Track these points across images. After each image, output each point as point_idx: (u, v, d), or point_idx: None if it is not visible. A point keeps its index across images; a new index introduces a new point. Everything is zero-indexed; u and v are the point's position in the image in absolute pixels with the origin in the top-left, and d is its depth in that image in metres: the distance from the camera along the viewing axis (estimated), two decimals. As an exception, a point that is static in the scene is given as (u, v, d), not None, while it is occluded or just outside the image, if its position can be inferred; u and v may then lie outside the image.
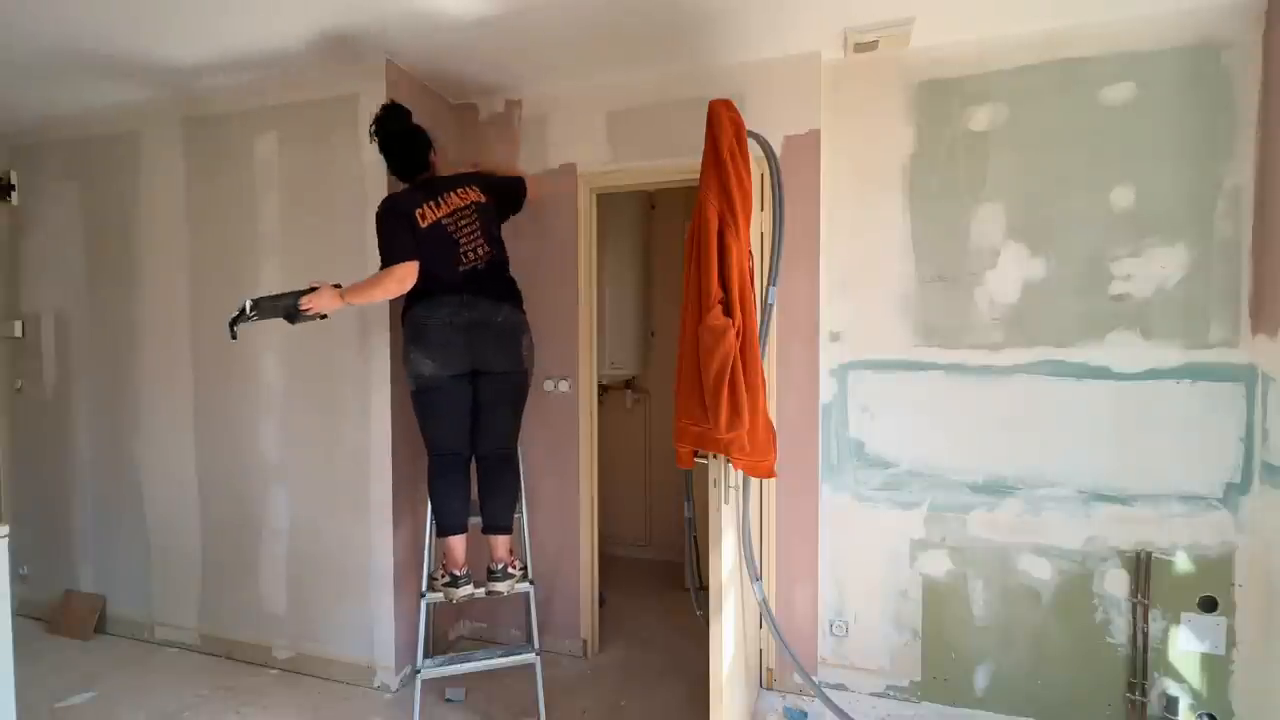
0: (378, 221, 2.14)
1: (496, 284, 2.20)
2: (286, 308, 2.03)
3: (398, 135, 2.16)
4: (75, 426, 3.02)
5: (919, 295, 2.35)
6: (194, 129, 2.73)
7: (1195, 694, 2.10)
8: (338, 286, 2.08)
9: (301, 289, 2.05)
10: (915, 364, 2.35)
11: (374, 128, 2.17)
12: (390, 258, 2.08)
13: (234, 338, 2.05)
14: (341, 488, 2.53)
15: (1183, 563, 2.11)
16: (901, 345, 2.37)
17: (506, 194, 2.34)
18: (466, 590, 2.19)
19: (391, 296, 2.12)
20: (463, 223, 2.14)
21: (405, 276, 2.07)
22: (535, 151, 2.70)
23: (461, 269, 2.12)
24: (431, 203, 2.13)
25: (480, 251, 2.16)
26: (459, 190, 2.18)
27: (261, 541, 2.68)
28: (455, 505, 2.21)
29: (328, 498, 2.56)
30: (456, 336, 2.10)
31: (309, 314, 2.06)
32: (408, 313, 2.16)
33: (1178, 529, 2.11)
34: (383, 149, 2.19)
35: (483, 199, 2.21)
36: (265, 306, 2.04)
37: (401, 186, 2.27)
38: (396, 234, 2.09)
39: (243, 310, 2.01)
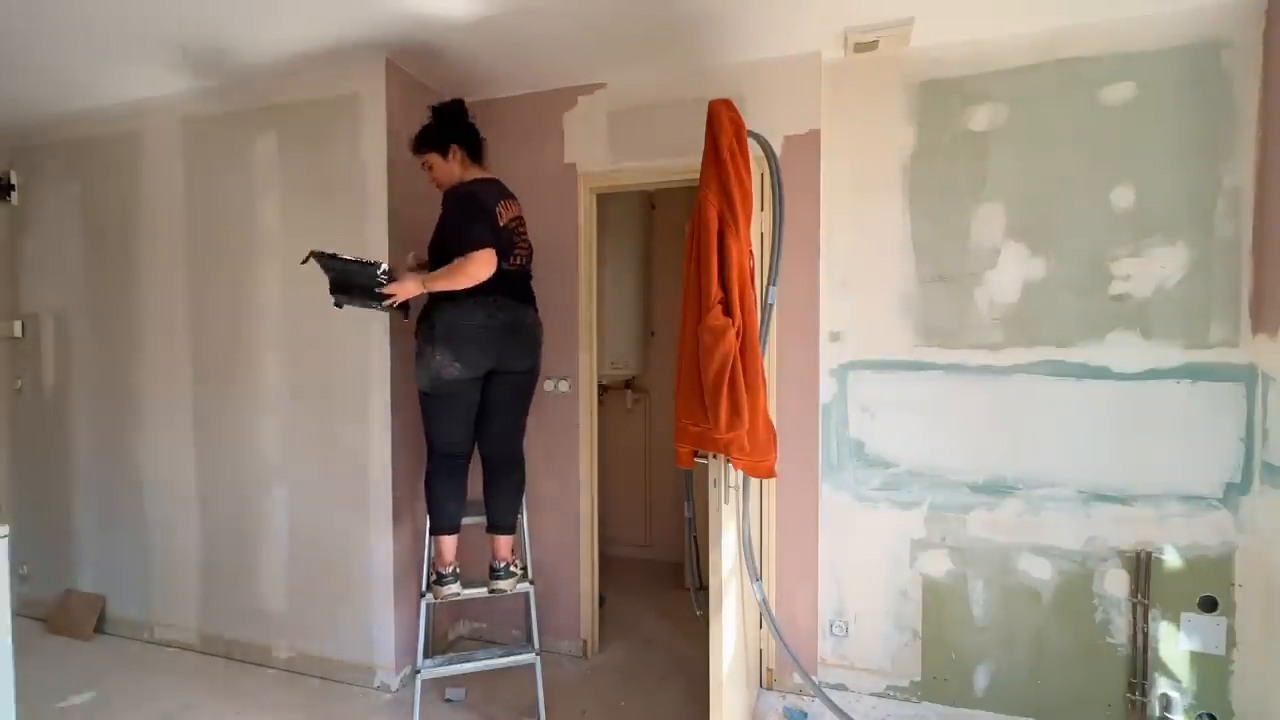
0: (459, 203, 2.08)
1: (525, 287, 2.24)
2: (350, 284, 1.97)
3: (476, 130, 2.24)
4: (75, 426, 3.02)
5: (919, 295, 2.34)
6: (194, 129, 2.73)
7: (1195, 694, 2.10)
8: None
9: (370, 262, 1.95)
10: (915, 364, 2.35)
11: (443, 116, 2.19)
12: (479, 242, 1.99)
13: (303, 262, 1.97)
14: (341, 488, 2.53)
15: (1183, 563, 2.11)
16: (901, 345, 2.37)
17: None
18: (453, 589, 2.19)
19: (474, 283, 2.00)
20: (520, 229, 2.21)
21: (490, 261, 2.00)
22: (535, 151, 2.70)
23: (506, 268, 2.11)
24: (506, 202, 2.18)
25: (523, 259, 2.21)
26: (515, 200, 2.24)
27: (261, 541, 2.68)
28: (451, 506, 2.20)
29: (328, 498, 2.56)
30: (489, 338, 2.09)
31: (386, 305, 2.02)
32: (433, 314, 2.08)
33: (1178, 529, 2.11)
34: (462, 132, 2.20)
35: (522, 212, 2.27)
36: (344, 271, 1.97)
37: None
38: (480, 222, 2.04)
39: (335, 256, 1.95)
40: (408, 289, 2.00)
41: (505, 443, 2.25)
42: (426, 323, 2.11)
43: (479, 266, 1.97)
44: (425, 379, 2.11)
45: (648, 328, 3.76)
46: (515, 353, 2.16)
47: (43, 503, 3.10)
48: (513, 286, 2.16)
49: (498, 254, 2.03)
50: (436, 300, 2.09)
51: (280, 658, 2.66)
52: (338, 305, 2.07)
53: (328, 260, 1.98)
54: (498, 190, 2.18)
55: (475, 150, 2.23)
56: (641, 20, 2.15)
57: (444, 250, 2.05)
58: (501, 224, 2.12)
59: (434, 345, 2.06)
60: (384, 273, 1.97)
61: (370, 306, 2.06)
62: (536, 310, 2.28)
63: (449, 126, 2.19)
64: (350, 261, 1.98)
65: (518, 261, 2.18)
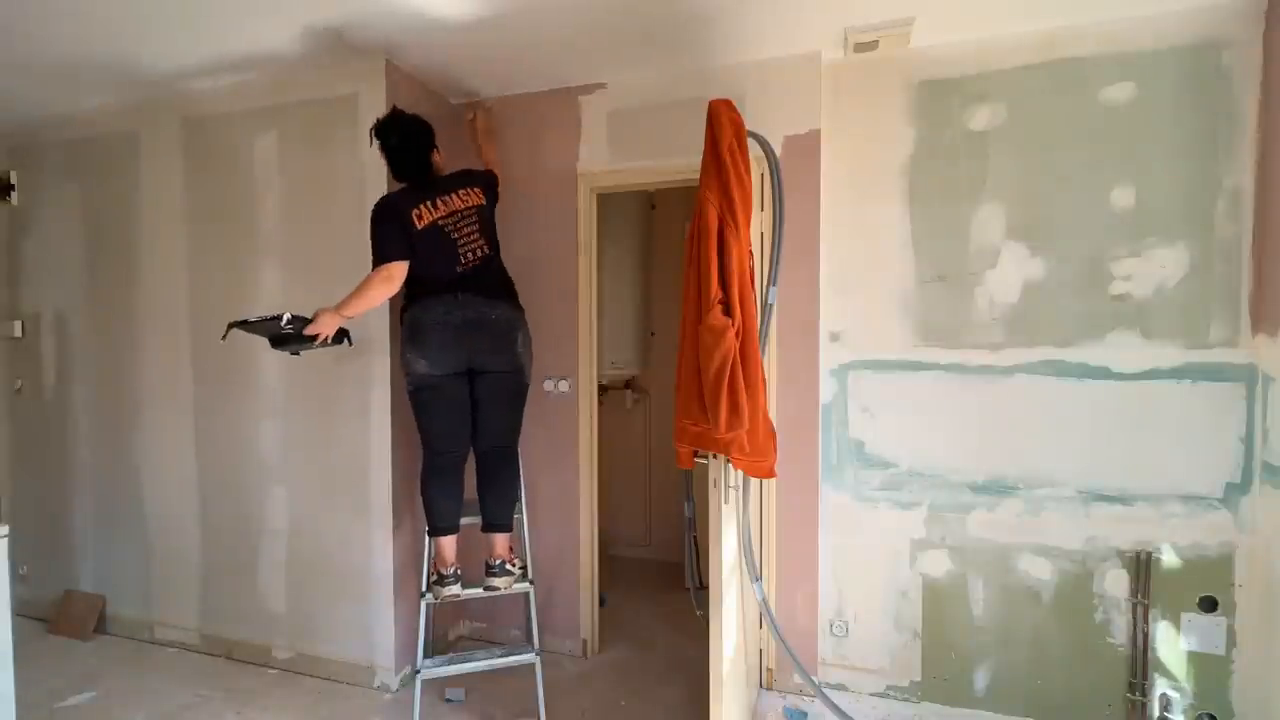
0: (371, 222, 2.13)
1: (492, 282, 2.20)
2: (283, 336, 1.97)
3: (394, 148, 2.15)
4: (75, 427, 3.02)
5: (919, 295, 2.34)
6: (194, 129, 2.73)
7: (1195, 694, 2.10)
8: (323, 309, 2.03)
9: (271, 316, 1.94)
10: (915, 364, 2.35)
11: (373, 134, 2.16)
12: (380, 258, 2.08)
13: (223, 338, 2.02)
14: (341, 488, 2.53)
15: (1182, 563, 2.11)
16: (901, 345, 2.37)
17: (492, 188, 2.34)
18: (453, 589, 2.19)
19: (384, 298, 2.12)
20: (463, 225, 2.15)
21: (392, 276, 2.07)
22: (535, 151, 2.70)
23: (459, 269, 2.13)
24: (429, 203, 2.13)
25: (479, 253, 2.17)
26: (460, 192, 2.19)
27: (261, 541, 2.68)
28: (447, 505, 2.21)
29: (327, 498, 2.56)
30: (450, 335, 2.10)
31: (320, 343, 2.03)
32: (404, 312, 2.17)
33: (1178, 529, 2.11)
34: (384, 154, 2.18)
35: (483, 201, 2.23)
36: (265, 328, 1.99)
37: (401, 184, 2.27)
38: (388, 235, 2.09)
39: (246, 321, 1.97)
40: (325, 325, 1.99)
41: (495, 442, 2.25)
42: (401, 323, 2.18)
43: (381, 282, 2.05)
44: (406, 377, 2.18)
45: (648, 328, 3.76)
46: (485, 349, 2.15)
47: (43, 503, 3.10)
48: (475, 283, 2.14)
49: (429, 258, 2.08)
50: (406, 301, 2.17)
51: (280, 658, 2.66)
52: (295, 354, 2.14)
53: (245, 326, 1.99)
54: (421, 193, 2.14)
55: (393, 165, 2.18)
56: (641, 20, 2.15)
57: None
58: (421, 226, 2.09)
59: (404, 343, 2.14)
60: (288, 322, 1.95)
61: (311, 348, 2.06)
62: (515, 305, 2.25)
63: (382, 144, 2.17)
64: (259, 321, 1.97)
65: (471, 258, 2.14)
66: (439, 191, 2.16)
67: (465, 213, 2.17)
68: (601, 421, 2.85)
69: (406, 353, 2.13)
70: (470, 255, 2.15)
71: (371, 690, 2.49)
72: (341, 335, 2.09)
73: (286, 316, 1.95)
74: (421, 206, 2.12)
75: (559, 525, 2.74)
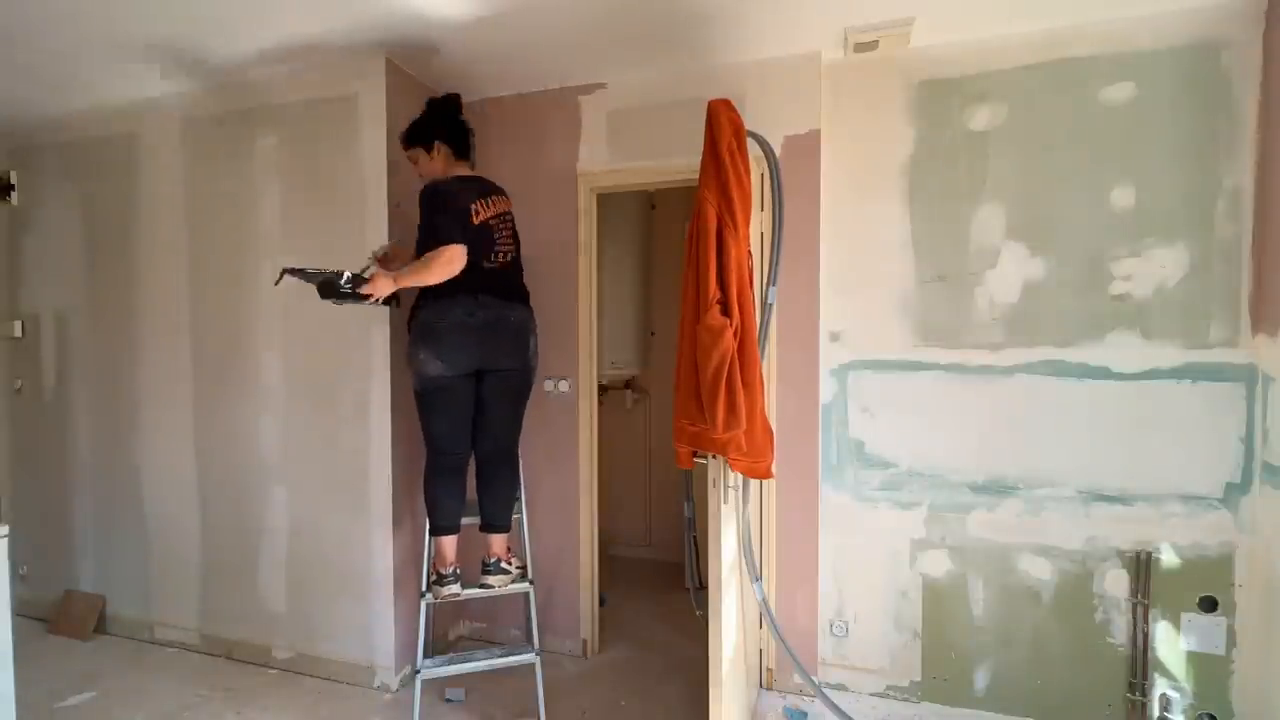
0: (432, 205, 2.09)
1: (511, 284, 2.22)
2: (337, 287, 2.01)
3: (464, 127, 2.26)
4: (75, 427, 3.02)
5: (919, 295, 2.34)
6: (194, 129, 2.73)
7: (1195, 694, 2.10)
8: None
9: (333, 271, 1.99)
10: (915, 364, 2.35)
11: (435, 107, 2.24)
12: (446, 239, 2.02)
13: (276, 284, 2.05)
14: (341, 488, 2.53)
15: (1183, 563, 2.11)
16: (901, 345, 2.37)
17: None
18: (453, 589, 2.19)
19: (441, 280, 2.02)
20: (503, 228, 2.20)
21: (455, 258, 2.01)
22: (535, 151, 2.70)
23: (488, 266, 2.13)
24: (484, 201, 2.16)
25: (508, 256, 2.20)
26: (503, 197, 2.25)
27: (261, 541, 2.68)
28: (450, 505, 2.21)
29: (327, 498, 2.56)
30: (469, 337, 2.09)
31: (371, 302, 2.04)
32: (417, 312, 2.13)
33: (1178, 529, 2.11)
34: (449, 130, 2.23)
35: (510, 208, 2.28)
36: (322, 280, 2.02)
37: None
38: (452, 220, 2.06)
39: (304, 271, 2.00)
40: (381, 287, 2.00)
41: (498, 441, 2.25)
42: (412, 321, 2.15)
43: (444, 264, 1.99)
44: (414, 377, 2.16)
45: (648, 328, 3.76)
46: (502, 350, 2.16)
47: (43, 503, 3.09)
48: (496, 284, 2.15)
49: (471, 252, 2.06)
50: (420, 299, 2.14)
51: (280, 658, 2.66)
52: (337, 302, 2.09)
53: (300, 273, 2.02)
54: (477, 188, 2.17)
55: (461, 148, 2.25)
56: (641, 20, 2.15)
57: (425, 248, 2.09)
58: (477, 222, 2.11)
59: (417, 343, 2.11)
60: (348, 280, 1.99)
61: (360, 303, 2.08)
62: (529, 307, 2.27)
63: (437, 123, 2.22)
64: (317, 272, 2.01)
65: (501, 259, 2.17)
66: (489, 192, 2.21)
67: (505, 216, 2.22)
68: (601, 421, 2.85)
69: (419, 353, 2.09)
70: (500, 257, 2.17)
71: (371, 690, 2.49)
72: (391, 297, 2.10)
73: (347, 275, 1.99)
74: (479, 202, 2.14)
75: (559, 525, 2.74)
